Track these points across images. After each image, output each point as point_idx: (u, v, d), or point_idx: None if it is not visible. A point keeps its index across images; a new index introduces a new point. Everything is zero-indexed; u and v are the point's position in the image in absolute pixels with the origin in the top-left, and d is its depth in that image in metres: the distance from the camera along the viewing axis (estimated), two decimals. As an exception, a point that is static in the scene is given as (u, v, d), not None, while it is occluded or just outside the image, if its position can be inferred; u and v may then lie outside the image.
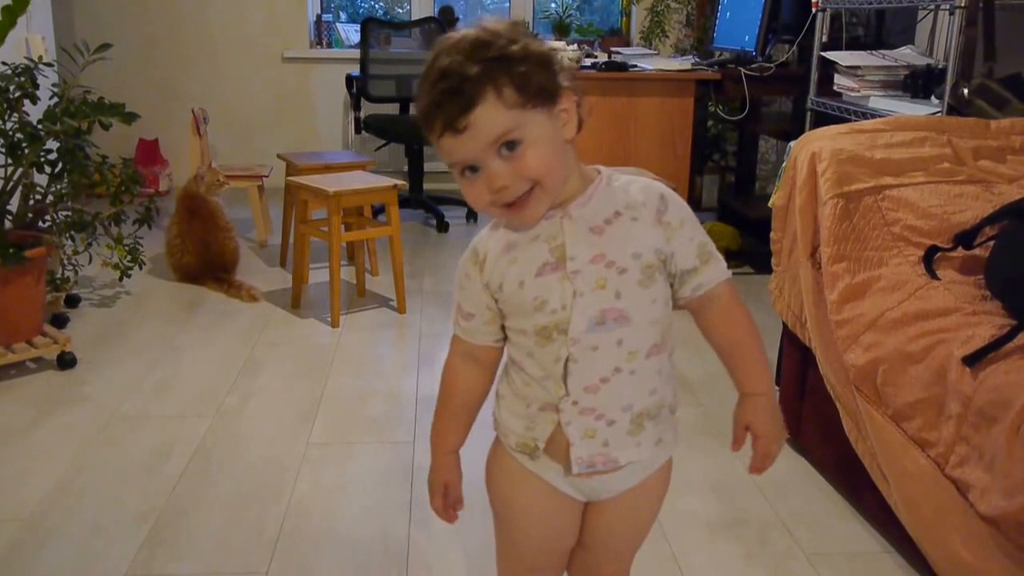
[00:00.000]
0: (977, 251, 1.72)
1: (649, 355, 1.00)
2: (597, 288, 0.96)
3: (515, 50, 0.89)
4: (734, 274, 3.75)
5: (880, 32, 3.56)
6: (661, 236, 0.98)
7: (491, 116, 0.88)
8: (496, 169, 0.90)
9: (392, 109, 4.67)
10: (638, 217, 0.98)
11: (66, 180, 2.71)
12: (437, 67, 0.89)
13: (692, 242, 1.00)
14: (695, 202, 4.35)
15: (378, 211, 3.90)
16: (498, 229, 1.01)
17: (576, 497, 1.08)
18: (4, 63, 2.62)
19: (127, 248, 3.03)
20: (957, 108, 2.39)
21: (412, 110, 4.67)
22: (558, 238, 0.97)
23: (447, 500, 1.12)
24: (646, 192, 0.99)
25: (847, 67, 2.92)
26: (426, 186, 4.65)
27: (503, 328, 1.04)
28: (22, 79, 2.58)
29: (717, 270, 1.02)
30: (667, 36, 4.87)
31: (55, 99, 2.68)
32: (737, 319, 1.05)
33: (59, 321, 2.87)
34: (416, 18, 4.93)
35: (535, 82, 0.90)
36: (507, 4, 5.31)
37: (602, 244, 0.96)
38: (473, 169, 0.92)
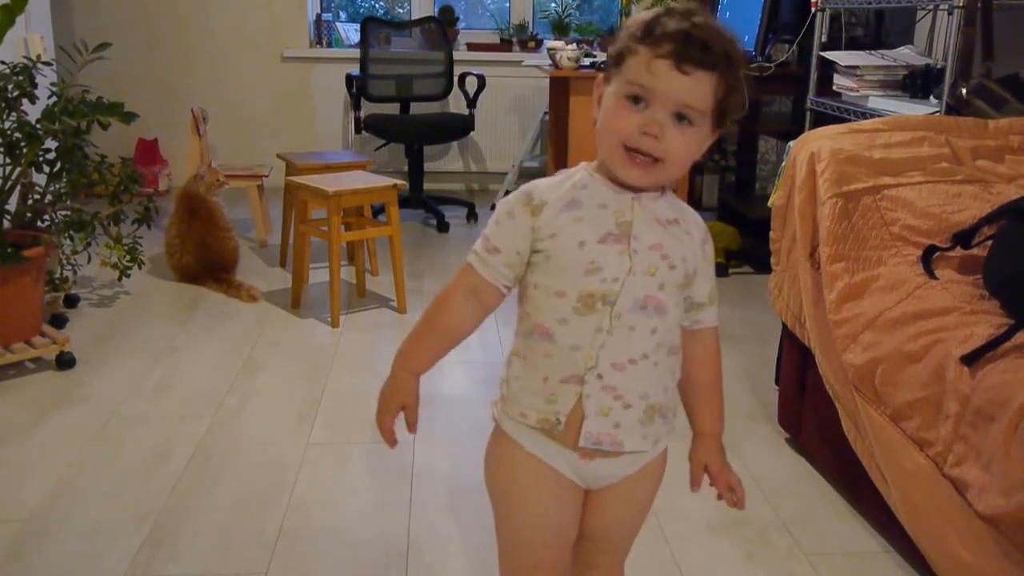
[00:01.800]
0: (975, 250, 1.72)
1: (670, 353, 1.06)
2: (647, 274, 1.01)
3: (742, 71, 0.99)
4: (733, 274, 3.73)
5: (879, 32, 3.56)
6: (700, 259, 1.06)
7: (705, 87, 0.95)
8: (662, 119, 0.95)
9: (392, 109, 4.67)
10: (691, 233, 1.06)
11: (65, 180, 2.70)
12: (697, 18, 0.96)
13: (710, 281, 1.09)
14: (695, 202, 4.37)
15: (378, 211, 3.90)
16: (562, 184, 1.03)
17: (578, 483, 1.08)
18: (3, 62, 2.62)
19: (126, 248, 3.02)
20: (955, 108, 2.39)
21: (413, 109, 4.68)
22: (626, 215, 1.01)
23: (404, 420, 1.09)
24: (695, 218, 1.08)
25: (846, 67, 2.92)
26: (426, 186, 4.66)
27: (518, 284, 1.05)
28: (20, 78, 2.58)
29: (715, 314, 1.11)
30: (667, 36, 4.86)
31: (54, 98, 2.68)
32: (715, 363, 1.14)
33: (58, 321, 2.87)
34: (416, 18, 4.93)
35: (732, 105, 0.99)
36: (507, 4, 5.31)
37: (662, 236, 1.03)
38: (636, 101, 0.96)
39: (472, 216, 4.46)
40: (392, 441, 1.10)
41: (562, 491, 1.08)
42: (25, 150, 2.57)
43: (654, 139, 0.95)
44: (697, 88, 0.95)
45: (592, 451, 1.04)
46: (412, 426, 1.10)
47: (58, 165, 2.67)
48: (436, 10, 5.14)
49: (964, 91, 2.38)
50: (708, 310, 1.10)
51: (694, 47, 0.93)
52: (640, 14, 0.99)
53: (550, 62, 3.91)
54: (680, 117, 0.96)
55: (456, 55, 4.69)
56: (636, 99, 0.96)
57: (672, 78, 0.94)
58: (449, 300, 1.06)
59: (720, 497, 1.15)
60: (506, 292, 1.06)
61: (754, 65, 3.48)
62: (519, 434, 1.07)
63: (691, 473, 1.14)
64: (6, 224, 2.61)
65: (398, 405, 1.09)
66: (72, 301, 3.08)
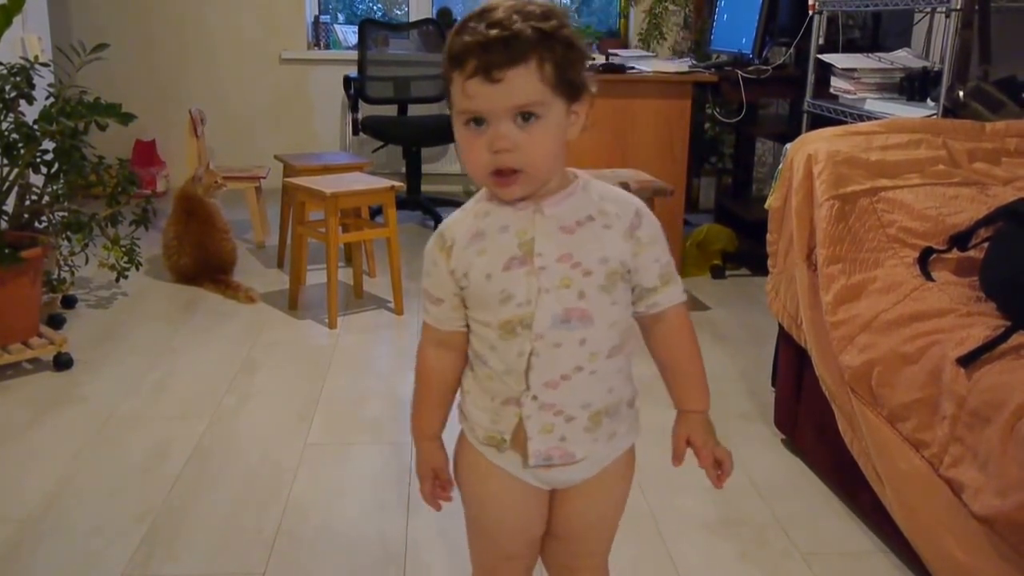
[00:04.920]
0: (972, 252, 1.73)
1: (609, 356, 1.03)
2: (562, 287, 0.98)
3: (566, 33, 0.92)
4: (730, 275, 3.72)
5: (876, 35, 3.57)
6: (629, 250, 1.00)
7: (526, 80, 0.90)
8: (505, 131, 0.91)
9: (390, 111, 4.67)
10: (610, 226, 1.00)
11: (62, 181, 2.71)
12: (492, 15, 0.91)
13: (657, 263, 1.03)
14: (692, 204, 4.37)
15: (376, 212, 3.90)
16: (467, 216, 1.02)
17: (540, 486, 1.09)
18: (0, 63, 2.62)
19: (124, 249, 3.02)
20: (952, 110, 2.40)
21: (411, 111, 4.69)
22: (528, 232, 0.98)
23: (436, 485, 1.13)
24: (621, 205, 1.01)
25: (843, 69, 2.93)
26: (424, 187, 4.66)
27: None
28: (18, 79, 2.59)
29: (675, 292, 1.06)
30: (665, 38, 4.88)
31: (51, 99, 2.68)
32: (685, 340, 1.08)
33: (56, 322, 2.87)
34: (414, 19, 4.93)
35: (571, 71, 0.93)
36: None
37: (570, 244, 0.98)
38: (478, 122, 0.92)
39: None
40: (437, 506, 1.14)
41: (525, 494, 1.09)
42: (23, 151, 2.58)
43: (508, 152, 0.92)
44: (519, 86, 0.90)
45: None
46: (445, 487, 1.13)
47: (56, 166, 2.67)
48: (434, 12, 5.15)
49: (961, 94, 2.39)
50: (664, 292, 1.04)
51: (495, 52, 0.88)
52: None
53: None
54: (525, 116, 0.91)
55: (454, 57, 4.69)
56: (477, 121, 0.92)
57: (486, 91, 0.90)
58: (425, 360, 1.09)
59: (713, 468, 1.10)
60: (466, 329, 1.06)
61: (751, 68, 3.49)
62: (478, 444, 1.09)
63: (673, 447, 1.10)
64: (4, 225, 2.61)
65: (429, 471, 1.12)
66: (70, 302, 3.08)
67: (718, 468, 1.09)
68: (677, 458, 1.11)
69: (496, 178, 0.94)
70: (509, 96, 0.90)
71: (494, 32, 0.89)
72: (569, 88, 0.93)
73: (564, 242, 0.98)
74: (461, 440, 1.12)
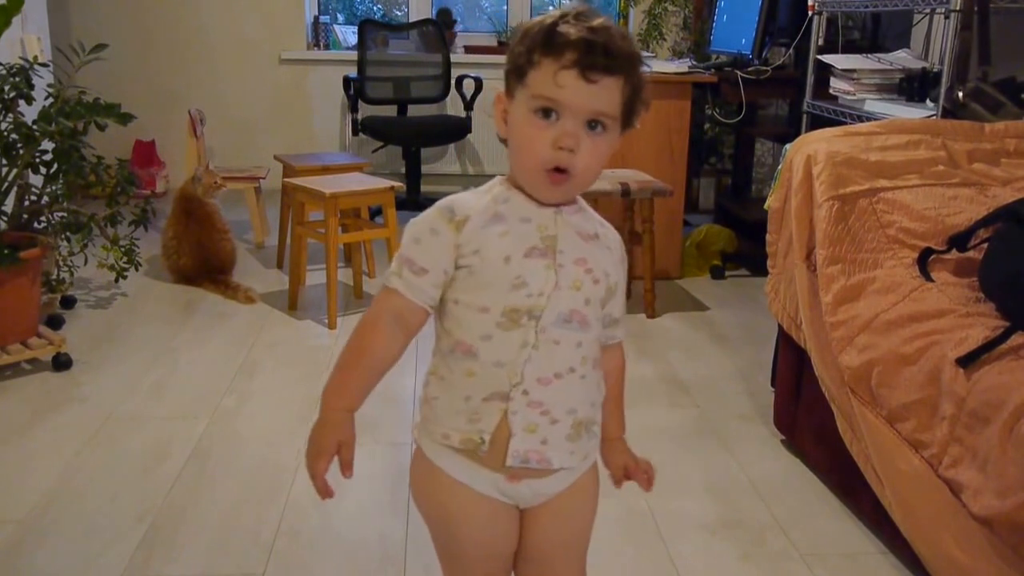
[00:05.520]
0: (971, 253, 1.73)
1: (595, 366, 1.05)
2: (573, 288, 1.00)
3: (643, 71, 0.98)
4: (730, 276, 3.72)
5: (876, 35, 3.57)
6: (620, 276, 1.07)
7: (613, 93, 0.94)
8: (575, 130, 0.93)
9: (390, 111, 4.68)
10: (611, 248, 1.06)
11: (61, 181, 2.71)
12: (591, 20, 0.93)
13: (622, 298, 1.09)
14: (692, 204, 4.37)
15: (375, 213, 3.90)
16: (482, 197, 1.01)
17: (508, 503, 1.06)
18: None
19: (123, 249, 3.02)
20: (952, 111, 2.40)
21: (411, 111, 4.69)
22: (550, 229, 0.99)
23: (339, 461, 1.00)
24: (615, 235, 1.08)
25: (843, 70, 2.93)
26: (423, 188, 4.66)
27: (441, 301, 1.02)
28: (17, 79, 2.58)
29: (624, 329, 1.14)
30: (664, 39, 4.88)
31: (50, 99, 2.68)
32: (622, 375, 1.16)
33: (55, 322, 2.86)
34: (414, 20, 4.94)
35: (637, 104, 0.98)
36: (505, 7, 5.32)
37: (586, 251, 1.02)
38: (547, 114, 0.93)
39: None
40: (326, 491, 1.00)
41: (492, 512, 1.06)
42: (22, 151, 2.58)
43: (569, 152, 0.93)
44: (606, 95, 0.93)
45: (519, 471, 1.02)
46: (348, 466, 1.01)
47: (55, 166, 2.67)
48: (434, 12, 5.15)
49: (960, 94, 2.39)
50: (621, 326, 1.12)
51: (597, 54, 0.91)
52: (530, 20, 0.96)
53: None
54: (592, 124, 0.94)
55: (453, 58, 4.70)
56: (546, 112, 0.93)
57: (580, 89, 0.91)
58: (376, 329, 1.02)
59: (626, 479, 1.18)
60: (431, 312, 1.03)
61: (751, 68, 3.49)
62: (442, 458, 1.04)
63: (613, 476, 1.17)
64: (3, 225, 2.61)
65: (334, 444, 1.00)
66: (69, 302, 3.08)
67: (645, 475, 1.17)
68: (619, 482, 1.18)
69: (551, 173, 0.95)
70: (597, 100, 0.93)
71: (598, 37, 0.91)
72: (627, 119, 0.98)
73: (581, 247, 1.01)
74: (420, 459, 1.07)
